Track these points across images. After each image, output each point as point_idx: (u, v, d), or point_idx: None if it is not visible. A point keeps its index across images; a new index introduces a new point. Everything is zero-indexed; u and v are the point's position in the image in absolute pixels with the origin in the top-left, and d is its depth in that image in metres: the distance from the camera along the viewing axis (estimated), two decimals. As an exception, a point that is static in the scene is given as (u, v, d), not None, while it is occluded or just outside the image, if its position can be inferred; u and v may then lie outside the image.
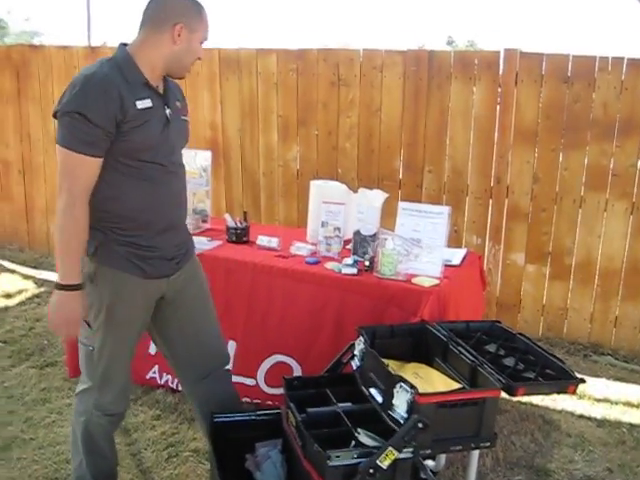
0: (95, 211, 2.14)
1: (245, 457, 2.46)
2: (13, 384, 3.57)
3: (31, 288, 5.15)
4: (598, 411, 3.53)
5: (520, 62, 4.16)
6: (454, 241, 4.23)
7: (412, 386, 2.06)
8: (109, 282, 2.22)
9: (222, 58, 5.02)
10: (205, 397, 2.57)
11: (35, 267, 5.71)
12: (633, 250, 4.16)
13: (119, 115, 2.05)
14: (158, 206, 2.23)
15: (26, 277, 5.43)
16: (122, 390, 2.39)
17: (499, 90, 4.25)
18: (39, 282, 5.28)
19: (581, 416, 3.47)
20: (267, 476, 2.38)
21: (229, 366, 2.64)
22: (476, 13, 67.73)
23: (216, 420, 2.49)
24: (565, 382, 2.24)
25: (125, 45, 2.22)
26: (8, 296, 4.95)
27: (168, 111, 2.23)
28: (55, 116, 2.09)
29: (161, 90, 2.25)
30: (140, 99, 2.13)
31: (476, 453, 2.40)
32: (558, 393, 2.45)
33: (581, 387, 3.56)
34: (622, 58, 3.97)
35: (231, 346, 3.19)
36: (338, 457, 2.03)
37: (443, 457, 2.73)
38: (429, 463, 2.66)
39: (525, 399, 3.57)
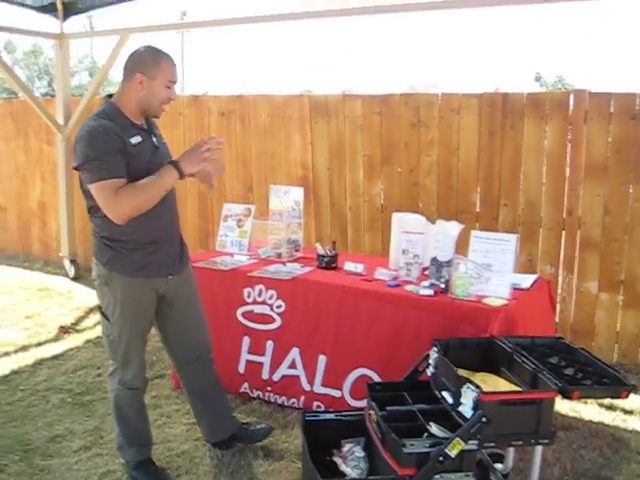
0: (104, 232, 2.79)
1: (332, 452, 2.82)
2: (129, 392, 4.06)
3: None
4: (669, 432, 3.67)
5: (589, 101, 4.44)
6: (529, 270, 4.48)
7: (477, 386, 2.37)
8: (120, 285, 2.84)
9: (312, 103, 5.51)
10: (192, 377, 3.26)
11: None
12: None
13: (122, 149, 2.65)
14: (154, 223, 2.82)
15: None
16: (139, 369, 3.02)
17: (569, 128, 4.53)
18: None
19: (651, 436, 3.63)
20: (351, 468, 2.72)
21: (212, 355, 3.29)
22: (565, 48, 66.92)
23: (307, 418, 2.86)
24: (618, 387, 2.50)
25: (110, 96, 2.81)
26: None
27: (155, 139, 2.88)
28: (77, 169, 2.73)
29: (145, 126, 2.85)
30: (132, 136, 2.72)
31: (538, 456, 2.64)
32: (611, 398, 2.68)
33: None
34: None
35: (321, 360, 3.57)
36: (412, 445, 2.36)
37: (510, 460, 2.98)
38: (497, 466, 2.94)
39: (596, 418, 3.77)
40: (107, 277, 2.86)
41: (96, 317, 5.57)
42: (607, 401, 3.96)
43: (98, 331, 5.19)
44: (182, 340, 3.16)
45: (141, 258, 2.83)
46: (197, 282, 3.21)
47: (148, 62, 2.71)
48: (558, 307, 4.68)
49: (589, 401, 3.97)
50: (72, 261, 6.91)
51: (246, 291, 3.75)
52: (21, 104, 7.55)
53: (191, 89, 32.09)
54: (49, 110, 6.68)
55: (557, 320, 4.70)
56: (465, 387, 2.42)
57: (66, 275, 6.96)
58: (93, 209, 2.80)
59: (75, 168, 2.74)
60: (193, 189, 6.28)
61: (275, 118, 5.74)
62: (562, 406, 3.89)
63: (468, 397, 2.40)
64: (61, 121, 6.70)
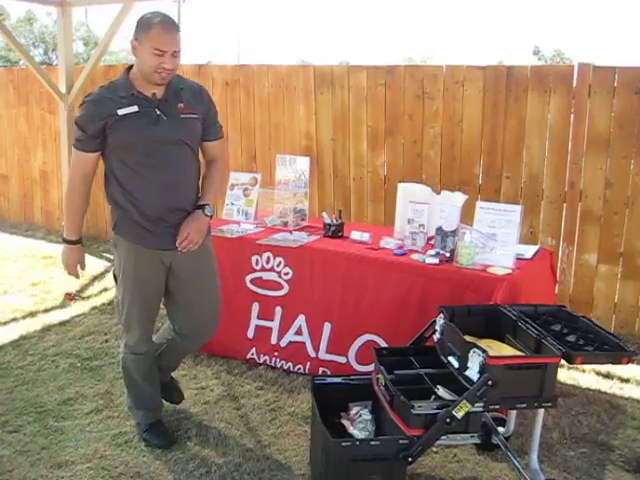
0: (113, 197, 2.88)
1: (340, 414, 2.91)
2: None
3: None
4: (664, 399, 3.77)
5: (593, 75, 4.47)
6: (530, 242, 4.55)
7: (484, 350, 2.45)
8: (124, 249, 2.92)
9: (317, 74, 5.53)
10: (173, 350, 3.23)
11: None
12: (703, 251, 4.38)
13: (104, 119, 2.73)
14: (153, 195, 2.84)
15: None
16: (141, 336, 3.04)
17: (573, 101, 4.57)
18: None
19: (647, 403, 3.73)
20: (359, 430, 2.81)
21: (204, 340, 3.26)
22: (564, 22, 66.47)
23: (316, 382, 2.95)
24: (619, 353, 2.57)
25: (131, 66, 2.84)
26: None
27: (159, 111, 2.79)
28: None
29: (159, 96, 2.80)
30: (123, 107, 2.73)
31: (540, 419, 2.72)
32: (612, 363, 2.77)
33: None
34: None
35: (326, 327, 3.65)
36: (420, 407, 2.46)
37: (512, 424, 3.08)
38: (500, 429, 3.04)
39: (594, 386, 3.87)
40: (115, 240, 2.96)
41: (101, 284, 5.65)
42: (604, 369, 4.06)
43: (104, 298, 5.28)
44: (180, 315, 3.10)
45: (142, 229, 2.86)
46: (212, 260, 3.12)
47: (140, 28, 2.71)
48: (558, 278, 4.76)
49: (587, 369, 4.07)
50: (75, 230, 6.94)
51: (254, 258, 3.82)
52: (22, 72, 7.54)
53: (191, 58, 31.87)
54: (51, 78, 6.68)
55: (557, 291, 4.79)
56: (472, 352, 2.50)
57: (69, 243, 6.98)
58: (105, 171, 2.91)
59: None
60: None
61: (279, 88, 5.76)
62: (561, 374, 3.98)
63: (474, 361, 2.48)
64: (63, 89, 6.69)
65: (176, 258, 2.93)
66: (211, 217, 2.99)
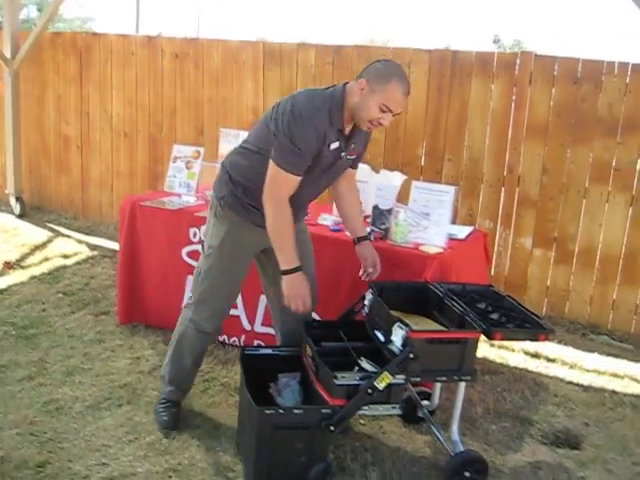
0: (244, 174, 2.77)
1: (269, 385, 2.96)
2: (73, 327, 4.13)
3: (85, 251, 5.73)
4: (586, 379, 3.90)
5: (534, 64, 4.58)
6: (468, 224, 4.65)
7: (406, 324, 2.53)
8: (228, 221, 2.84)
9: (266, 50, 5.53)
10: (285, 332, 3.13)
11: (88, 233, 6.33)
12: (631, 239, 4.54)
13: (318, 151, 2.60)
14: (297, 197, 2.71)
15: (80, 242, 6.02)
16: (215, 312, 2.97)
17: (514, 89, 4.67)
18: (92, 246, 5.87)
19: (570, 382, 3.85)
20: (286, 400, 2.86)
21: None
22: (524, 13, 67.08)
23: (246, 352, 3.00)
24: (537, 331, 2.68)
25: (346, 84, 2.66)
26: (65, 257, 5.53)
27: (344, 152, 2.73)
28: (275, 135, 2.61)
29: (348, 131, 2.72)
30: (333, 142, 2.64)
31: (461, 392, 2.81)
32: (530, 340, 2.87)
33: (574, 359, 4.15)
34: (627, 63, 4.36)
35: (262, 300, 3.68)
36: (343, 377, 2.52)
37: (437, 397, 3.17)
38: (424, 403, 3.13)
39: (521, 364, 4.01)
40: (218, 210, 2.86)
41: (42, 254, 5.58)
42: (532, 349, 4.21)
43: (44, 268, 5.22)
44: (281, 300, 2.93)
45: (254, 208, 2.77)
46: (311, 244, 3.09)
47: (379, 74, 2.57)
48: (494, 261, 4.89)
49: (516, 349, 4.21)
50: (17, 198, 6.84)
51: (192, 231, 3.83)
52: (-34, 35, 7.34)
53: (147, 29, 31.37)
54: (-4, 43, 6.53)
55: (492, 274, 4.92)
56: (396, 326, 2.57)
57: (12, 212, 6.88)
58: (256, 149, 2.75)
59: (274, 134, 2.62)
60: (144, 130, 6.27)
61: (228, 63, 5.74)
62: (490, 353, 4.13)
63: (398, 335, 2.56)
64: (8, 55, 6.55)
65: None
66: None
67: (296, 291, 2.67)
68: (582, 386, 3.82)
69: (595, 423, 3.39)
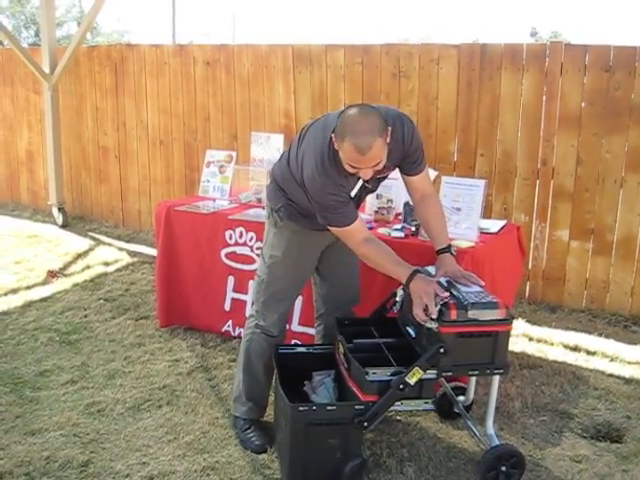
0: (288, 195, 2.83)
1: (304, 383, 3.00)
2: (114, 331, 4.23)
3: (125, 258, 5.84)
4: (627, 371, 3.82)
5: (565, 53, 4.52)
6: (503, 218, 4.60)
7: (438, 319, 2.53)
8: (289, 231, 2.90)
9: (295, 53, 5.57)
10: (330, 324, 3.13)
11: (128, 241, 6.47)
12: (671, 227, 4.45)
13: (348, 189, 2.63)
14: None
15: (120, 249, 6.13)
16: (281, 316, 3.02)
17: (545, 79, 4.62)
18: (132, 253, 5.98)
19: (611, 375, 3.78)
20: (321, 398, 2.90)
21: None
22: (562, 3, 66.03)
23: (280, 351, 3.03)
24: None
25: (333, 132, 2.52)
26: (106, 264, 5.65)
27: (368, 185, 2.73)
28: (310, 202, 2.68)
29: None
30: (353, 188, 2.66)
31: (495, 386, 2.79)
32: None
33: (615, 351, 4.11)
34: (661, 48, 4.28)
35: (298, 301, 3.71)
36: (375, 374, 2.54)
37: (472, 392, 3.16)
38: (460, 398, 3.12)
39: (560, 358, 3.95)
40: (277, 220, 2.91)
41: (84, 262, 5.72)
42: (572, 342, 4.16)
43: (86, 275, 5.34)
44: (332, 288, 3.13)
45: (307, 217, 2.81)
46: None
47: (338, 131, 2.47)
48: (531, 255, 4.84)
49: (555, 342, 4.17)
50: (60, 209, 7.01)
51: (228, 233, 3.90)
52: (6, 52, 7.56)
53: (184, 38, 31.81)
54: (35, 59, 6.70)
55: (529, 267, 4.87)
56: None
57: (54, 223, 7.07)
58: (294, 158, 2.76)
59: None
60: (179, 138, 6.37)
61: (259, 67, 5.80)
62: (529, 347, 4.09)
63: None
64: (47, 70, 6.72)
65: (331, 238, 2.91)
66: None
67: (423, 291, 2.57)
68: (623, 379, 3.74)
69: (637, 416, 3.33)
